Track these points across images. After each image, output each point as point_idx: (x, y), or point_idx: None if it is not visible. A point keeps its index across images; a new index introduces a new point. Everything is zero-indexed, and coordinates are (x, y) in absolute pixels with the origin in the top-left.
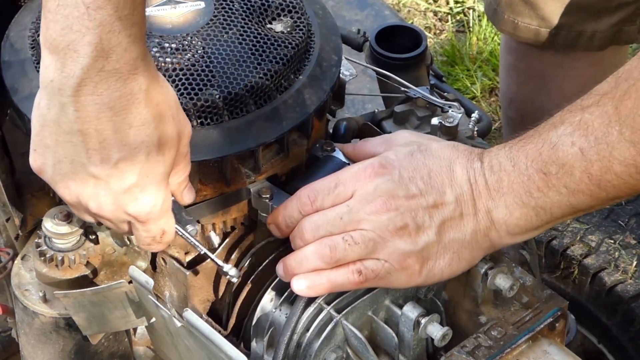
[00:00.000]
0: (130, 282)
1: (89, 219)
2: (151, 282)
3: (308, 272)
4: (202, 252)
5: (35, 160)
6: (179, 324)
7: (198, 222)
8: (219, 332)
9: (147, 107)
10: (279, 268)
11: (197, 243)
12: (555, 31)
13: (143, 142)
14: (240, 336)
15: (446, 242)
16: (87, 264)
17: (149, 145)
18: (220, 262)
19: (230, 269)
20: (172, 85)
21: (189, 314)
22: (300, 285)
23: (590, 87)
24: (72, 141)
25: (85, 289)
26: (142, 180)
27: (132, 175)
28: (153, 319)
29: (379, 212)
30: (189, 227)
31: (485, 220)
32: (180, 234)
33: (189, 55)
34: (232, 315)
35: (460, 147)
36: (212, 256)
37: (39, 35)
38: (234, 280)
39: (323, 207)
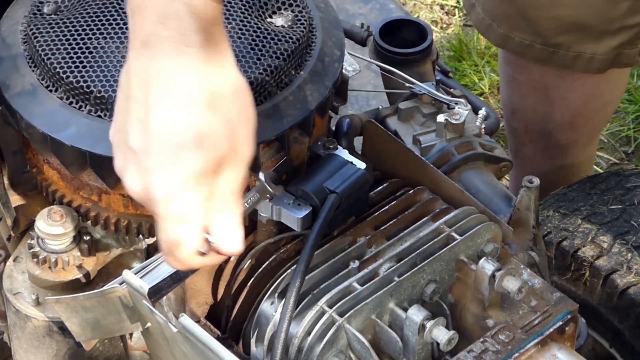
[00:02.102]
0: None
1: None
2: (145, 286)
3: None
4: None
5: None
6: (174, 330)
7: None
8: (217, 335)
9: (198, 89)
10: None
11: None
12: (553, 49)
13: (189, 124)
14: (239, 340)
15: None
16: (80, 266)
17: (194, 131)
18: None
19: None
20: None
21: (185, 319)
22: None
23: (596, 97)
24: (127, 108)
25: (78, 294)
26: (166, 163)
27: (160, 155)
28: (148, 324)
29: None
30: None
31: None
32: None
33: None
34: (231, 319)
35: None
36: None
37: (31, 30)
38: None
39: None
